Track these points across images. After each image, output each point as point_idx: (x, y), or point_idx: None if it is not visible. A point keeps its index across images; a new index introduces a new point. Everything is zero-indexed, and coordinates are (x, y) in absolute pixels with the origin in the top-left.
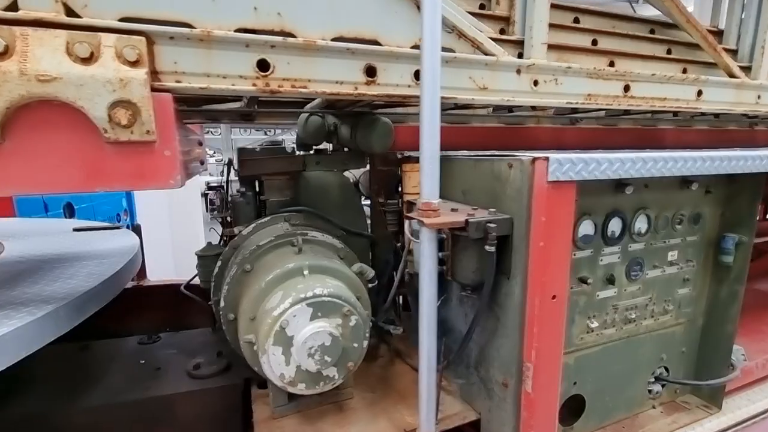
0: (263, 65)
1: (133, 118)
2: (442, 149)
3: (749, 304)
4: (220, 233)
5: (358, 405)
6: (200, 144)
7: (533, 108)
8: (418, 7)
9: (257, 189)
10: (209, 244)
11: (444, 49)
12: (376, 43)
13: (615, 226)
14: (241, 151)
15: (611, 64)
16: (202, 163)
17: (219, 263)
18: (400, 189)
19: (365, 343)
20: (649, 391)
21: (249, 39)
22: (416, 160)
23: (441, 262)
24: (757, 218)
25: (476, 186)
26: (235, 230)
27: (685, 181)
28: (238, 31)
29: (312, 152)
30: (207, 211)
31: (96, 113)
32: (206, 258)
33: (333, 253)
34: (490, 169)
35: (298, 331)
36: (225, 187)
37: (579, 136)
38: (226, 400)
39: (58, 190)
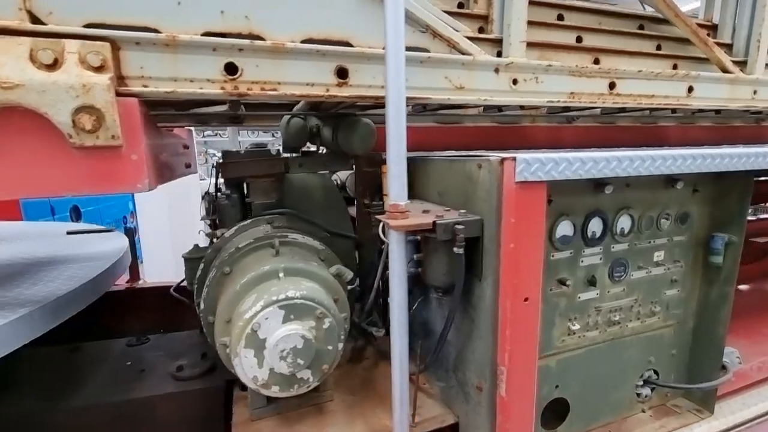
0: (231, 68)
1: (97, 123)
2: (433, 149)
3: (752, 305)
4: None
5: (338, 407)
6: (186, 147)
7: (522, 107)
8: None
9: (245, 192)
10: (196, 246)
11: (418, 49)
12: (348, 44)
13: (595, 226)
14: (225, 154)
15: (596, 62)
16: (188, 166)
17: (202, 266)
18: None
19: (340, 346)
20: (638, 395)
21: (216, 42)
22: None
23: (419, 264)
24: (762, 217)
25: (451, 187)
26: (217, 233)
27: (670, 180)
28: (205, 34)
29: (298, 154)
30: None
31: (60, 119)
32: (192, 260)
33: (313, 255)
34: (462, 169)
35: (270, 333)
36: (213, 190)
37: (576, 135)
38: (207, 402)
39: (26, 195)
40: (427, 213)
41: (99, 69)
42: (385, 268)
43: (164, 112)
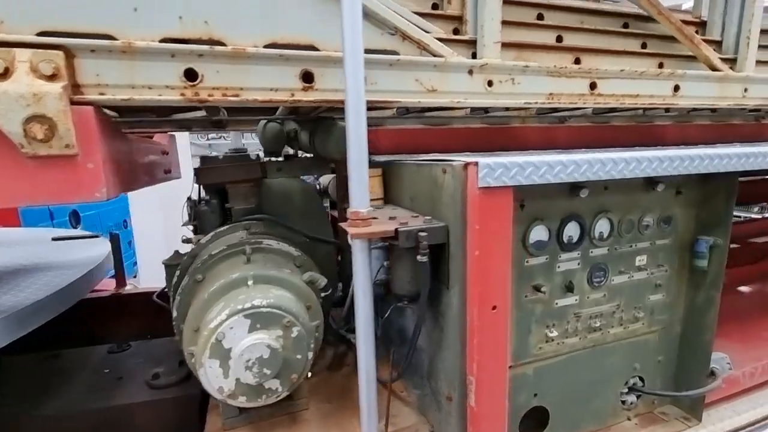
0: (191, 74)
1: (50, 133)
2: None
3: (751, 307)
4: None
5: (313, 416)
6: (165, 153)
7: (506, 108)
8: None
9: (226, 197)
10: (176, 252)
11: (388, 52)
12: (313, 48)
13: (572, 230)
14: (203, 160)
15: (577, 61)
16: (168, 171)
17: (178, 272)
18: None
19: (311, 355)
20: (623, 402)
21: (174, 49)
22: (372, 164)
23: (389, 271)
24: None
25: (420, 192)
26: (193, 239)
27: (650, 182)
28: (164, 41)
29: (279, 159)
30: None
31: (11, 128)
32: (171, 267)
33: (288, 262)
34: (429, 174)
35: (236, 343)
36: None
37: (569, 135)
38: (182, 410)
39: None
40: (392, 220)
41: (52, 78)
42: None
43: (144, 119)
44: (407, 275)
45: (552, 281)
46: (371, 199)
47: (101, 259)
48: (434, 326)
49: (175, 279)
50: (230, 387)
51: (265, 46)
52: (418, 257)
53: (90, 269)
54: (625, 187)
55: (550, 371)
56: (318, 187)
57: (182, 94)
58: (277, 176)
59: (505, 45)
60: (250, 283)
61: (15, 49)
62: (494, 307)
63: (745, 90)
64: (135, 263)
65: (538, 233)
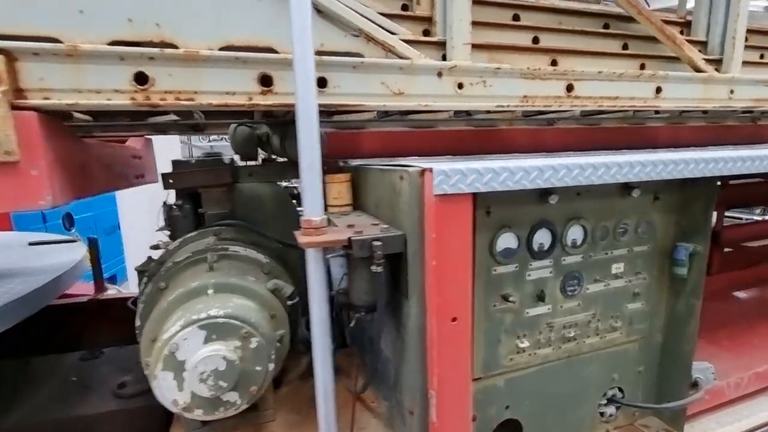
0: (141, 78)
1: None
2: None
3: (746, 313)
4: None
5: (279, 428)
6: (137, 157)
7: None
8: (319, 11)
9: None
10: (149, 258)
11: (352, 54)
12: (272, 50)
13: (543, 238)
14: (175, 164)
15: (554, 63)
16: (141, 176)
17: (145, 279)
18: None
19: (271, 366)
20: (602, 414)
21: (123, 52)
22: (339, 170)
23: None
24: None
25: (382, 199)
26: (161, 244)
27: (626, 188)
28: (113, 44)
29: (253, 163)
30: None
31: None
32: (141, 273)
33: (256, 269)
34: (389, 181)
35: (190, 355)
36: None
37: (558, 137)
38: (147, 421)
39: None
40: (350, 228)
41: None
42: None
43: (117, 123)
44: (364, 285)
45: (522, 290)
46: (340, 205)
47: (71, 265)
48: (397, 337)
49: (142, 286)
50: (185, 400)
51: (221, 49)
52: (373, 267)
53: (58, 275)
54: (599, 193)
55: (522, 383)
56: (296, 191)
57: (132, 99)
58: (249, 181)
59: (477, 46)
60: (210, 291)
61: None
62: (454, 319)
63: (731, 91)
64: (125, 266)
65: (506, 240)
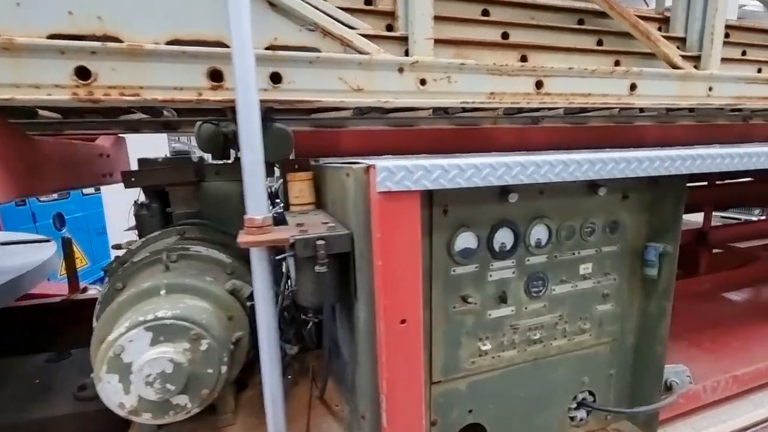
0: (83, 73)
1: None
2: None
3: (731, 314)
4: None
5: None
6: (104, 156)
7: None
8: (271, 5)
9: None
10: (116, 258)
11: (308, 49)
12: (222, 45)
13: (505, 237)
14: (140, 162)
15: (524, 59)
16: (108, 176)
17: (107, 279)
18: None
19: (224, 369)
20: (572, 419)
21: (63, 45)
22: (303, 167)
23: None
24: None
25: (337, 197)
26: (123, 244)
27: (592, 186)
28: (52, 37)
29: (219, 162)
30: None
31: None
32: (106, 273)
33: (218, 269)
34: (340, 178)
35: (136, 357)
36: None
37: (544, 136)
38: (107, 423)
39: None
40: (298, 226)
41: None
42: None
43: (88, 120)
44: (309, 286)
45: (483, 291)
46: (301, 204)
47: (36, 265)
48: (351, 340)
49: (105, 286)
50: (132, 403)
51: (168, 43)
52: (317, 268)
53: (19, 275)
54: (563, 191)
55: (486, 386)
56: (270, 190)
57: (74, 94)
58: (216, 179)
59: (442, 42)
60: (162, 292)
61: None
62: (404, 321)
63: (710, 89)
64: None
65: (466, 240)
